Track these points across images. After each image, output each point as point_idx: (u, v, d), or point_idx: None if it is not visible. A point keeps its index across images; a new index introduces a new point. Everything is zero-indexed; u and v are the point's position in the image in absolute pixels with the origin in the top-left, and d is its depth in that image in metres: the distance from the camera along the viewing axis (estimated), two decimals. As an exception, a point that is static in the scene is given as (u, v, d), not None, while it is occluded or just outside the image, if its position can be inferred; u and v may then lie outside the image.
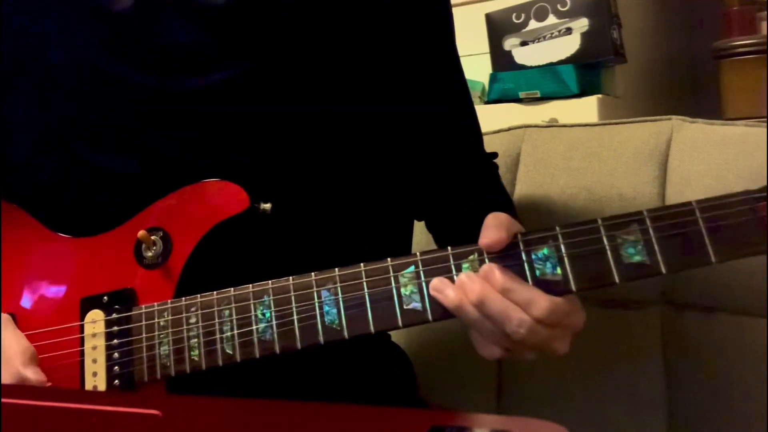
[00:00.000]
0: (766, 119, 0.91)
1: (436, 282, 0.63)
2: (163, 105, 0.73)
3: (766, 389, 0.82)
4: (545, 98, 1.74)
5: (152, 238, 0.70)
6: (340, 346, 0.65)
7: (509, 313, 0.60)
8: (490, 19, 1.83)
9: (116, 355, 0.68)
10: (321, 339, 0.64)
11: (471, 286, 0.61)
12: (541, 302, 0.60)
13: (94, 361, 0.69)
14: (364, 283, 0.64)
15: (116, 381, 0.68)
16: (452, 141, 0.86)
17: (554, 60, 1.75)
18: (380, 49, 0.78)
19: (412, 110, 0.81)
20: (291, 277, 0.66)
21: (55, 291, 0.72)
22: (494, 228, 0.62)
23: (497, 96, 1.80)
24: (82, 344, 0.69)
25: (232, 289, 0.67)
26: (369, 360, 0.81)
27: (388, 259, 0.65)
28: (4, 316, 0.71)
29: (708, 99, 2.05)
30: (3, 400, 0.48)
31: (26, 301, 0.73)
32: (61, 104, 0.76)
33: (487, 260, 0.63)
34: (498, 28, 1.82)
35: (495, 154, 0.91)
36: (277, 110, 0.75)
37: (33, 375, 0.66)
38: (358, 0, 0.77)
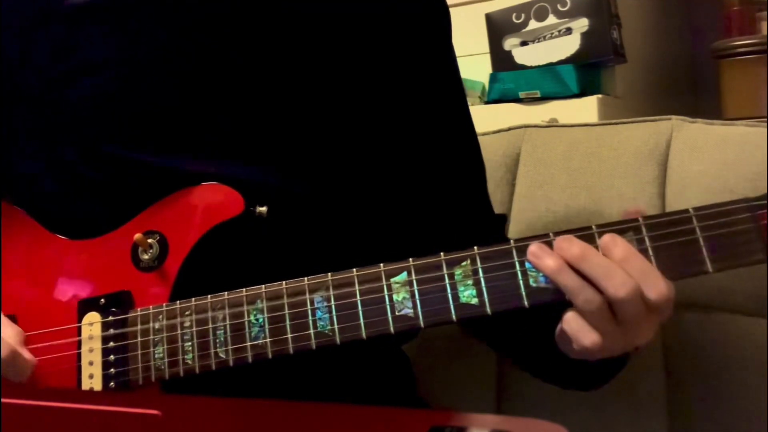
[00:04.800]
0: (766, 119, 0.91)
1: (535, 248, 0.60)
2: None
3: (766, 389, 0.82)
4: (545, 98, 1.74)
5: (149, 241, 0.70)
6: (340, 346, 0.65)
7: (611, 271, 0.58)
8: (490, 19, 1.83)
9: (112, 357, 0.68)
10: (313, 344, 0.64)
11: (570, 248, 0.59)
12: (660, 285, 0.58)
13: (91, 363, 0.69)
14: (357, 289, 0.64)
15: (112, 383, 0.68)
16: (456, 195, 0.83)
17: (554, 60, 1.75)
18: (385, 87, 0.78)
19: (415, 146, 0.80)
20: (284, 282, 0.66)
21: (53, 293, 0.72)
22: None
23: (497, 96, 1.80)
24: (79, 346, 0.70)
25: (225, 293, 0.67)
26: (369, 360, 0.80)
27: (381, 264, 0.64)
28: None
29: (708, 99, 2.05)
30: (3, 400, 0.48)
31: (25, 302, 0.73)
32: (60, 116, 0.76)
33: (480, 267, 0.62)
34: (498, 28, 1.82)
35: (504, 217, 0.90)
36: (275, 114, 0.75)
37: (27, 355, 0.68)
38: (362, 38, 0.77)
